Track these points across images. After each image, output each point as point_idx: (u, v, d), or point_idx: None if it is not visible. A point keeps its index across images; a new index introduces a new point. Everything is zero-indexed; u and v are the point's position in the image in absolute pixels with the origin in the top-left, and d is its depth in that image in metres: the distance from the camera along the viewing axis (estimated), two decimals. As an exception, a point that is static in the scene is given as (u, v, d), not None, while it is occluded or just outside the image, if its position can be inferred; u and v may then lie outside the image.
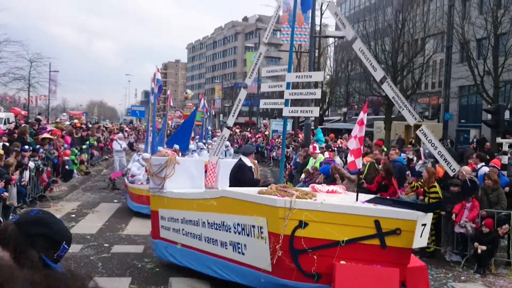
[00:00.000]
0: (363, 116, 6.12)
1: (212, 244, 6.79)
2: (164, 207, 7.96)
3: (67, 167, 17.08)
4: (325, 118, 48.59)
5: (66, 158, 17.03)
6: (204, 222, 6.94)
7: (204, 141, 25.08)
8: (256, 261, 5.98)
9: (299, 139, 25.28)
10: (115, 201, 14.61)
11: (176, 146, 15.33)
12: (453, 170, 5.30)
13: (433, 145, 5.53)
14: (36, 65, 43.72)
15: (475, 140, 29.32)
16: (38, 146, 14.44)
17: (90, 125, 28.24)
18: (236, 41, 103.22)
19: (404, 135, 33.97)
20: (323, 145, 17.42)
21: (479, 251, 8.42)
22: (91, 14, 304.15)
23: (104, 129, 30.69)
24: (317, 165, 12.87)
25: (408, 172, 10.08)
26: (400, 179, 10.05)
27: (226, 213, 6.47)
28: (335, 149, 14.98)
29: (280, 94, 10.01)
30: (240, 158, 8.23)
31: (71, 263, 8.21)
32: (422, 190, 9.71)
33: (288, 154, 22.08)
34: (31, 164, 12.68)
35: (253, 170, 8.26)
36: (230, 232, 6.38)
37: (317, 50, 37.52)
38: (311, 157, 13.77)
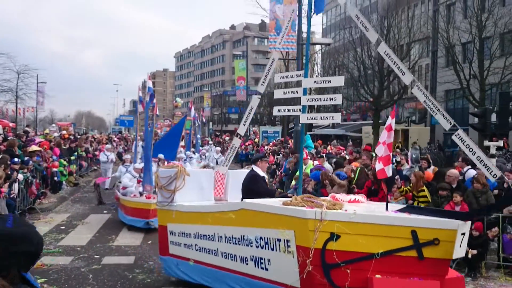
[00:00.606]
0: (391, 121, 5.81)
1: (230, 260, 6.40)
2: (173, 221, 7.58)
3: (56, 178, 16.95)
4: (313, 124, 48.76)
5: (55, 169, 16.90)
6: (221, 237, 6.55)
7: (193, 149, 25.02)
8: (282, 277, 5.60)
9: (288, 145, 25.35)
10: (105, 212, 14.50)
11: (161, 156, 15.06)
12: (494, 176, 5.01)
13: (471, 150, 5.26)
14: (24, 76, 43.62)
15: (462, 143, 29.55)
16: (27, 158, 14.33)
17: (78, 136, 28.08)
18: (224, 49, 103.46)
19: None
20: (313, 151, 17.53)
21: (469, 255, 8.48)
22: (78, 25, 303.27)
23: (93, 139, 30.52)
24: (308, 171, 12.93)
25: (397, 177, 10.15)
26: (388, 183, 10.11)
27: (246, 226, 6.07)
28: (323, 155, 15.08)
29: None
30: (252, 168, 7.79)
31: (62, 276, 8.16)
32: (411, 194, 9.79)
33: (278, 161, 22.15)
34: (20, 177, 12.58)
35: (266, 180, 7.87)
36: (251, 246, 5.98)
37: (304, 57, 37.66)
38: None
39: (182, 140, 25.19)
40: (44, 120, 78.19)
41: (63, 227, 12.20)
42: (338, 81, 7.79)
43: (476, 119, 15.71)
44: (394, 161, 13.86)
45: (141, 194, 12.66)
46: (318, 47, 46.65)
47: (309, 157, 14.32)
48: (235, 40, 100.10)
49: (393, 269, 4.96)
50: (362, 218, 5.08)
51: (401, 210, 5.38)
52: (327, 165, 13.46)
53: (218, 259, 6.63)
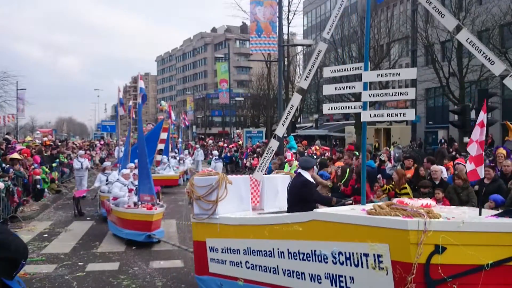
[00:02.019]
0: (483, 116, 5.24)
1: (296, 278, 5.70)
2: (215, 236, 6.80)
3: (38, 186, 16.72)
4: (297, 125, 48.97)
5: (37, 177, 16.68)
6: (282, 252, 5.83)
7: (173, 154, 24.81)
8: None
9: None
10: (88, 218, 14.38)
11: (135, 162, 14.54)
12: None
13: None
14: (3, 83, 43.02)
15: (443, 140, 30.02)
16: (7, 166, 14.14)
17: (59, 143, 27.80)
18: (205, 52, 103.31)
19: (373, 139, 34.60)
20: (295, 151, 17.59)
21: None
22: (57, 31, 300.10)
23: (74, 145, 30.23)
24: (292, 172, 12.97)
25: (379, 176, 10.26)
26: (369, 182, 10.20)
27: (319, 240, 5.39)
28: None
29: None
30: (300, 173, 6.96)
31: (45, 284, 8.06)
32: (394, 192, 9.89)
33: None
34: (1, 185, 12.42)
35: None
36: (325, 262, 5.31)
37: (286, 59, 37.87)
38: (286, 165, 13.87)
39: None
40: (25, 127, 77.12)
41: (46, 235, 12.07)
42: (410, 73, 6.88)
43: (456, 117, 15.94)
44: (378, 160, 13.98)
45: (135, 204, 11.54)
46: (299, 48, 46.88)
47: (294, 158, 14.35)
48: (217, 43, 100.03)
49: (503, 280, 4.55)
50: (470, 227, 4.56)
51: (499, 215, 4.92)
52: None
53: (278, 278, 5.93)
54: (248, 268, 6.34)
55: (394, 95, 6.55)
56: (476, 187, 9.72)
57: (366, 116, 6.47)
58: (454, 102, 26.56)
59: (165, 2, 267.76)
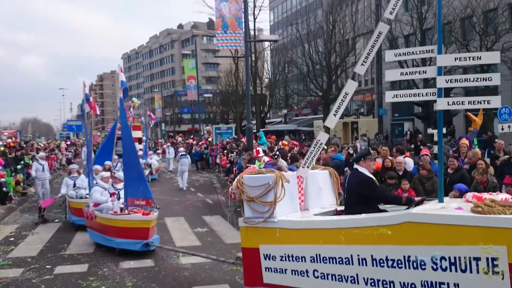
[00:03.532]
0: None
1: (381, 287, 5.28)
2: (273, 242, 6.14)
3: (4, 189, 16.27)
4: (266, 121, 49.15)
5: (2, 179, 16.23)
6: (363, 259, 5.34)
7: (140, 153, 24.28)
8: None
9: (242, 143, 25.43)
10: (56, 220, 14.12)
11: (108, 163, 14.12)
12: None
13: None
14: (-37, 85, 41.72)
15: (408, 132, 30.67)
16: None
17: (24, 144, 27.17)
18: (172, 49, 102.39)
19: (342, 133, 35.10)
20: (265, 147, 17.70)
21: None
22: (19, 29, 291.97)
23: (39, 147, 29.55)
24: (261, 167, 13.03)
25: (346, 168, 10.41)
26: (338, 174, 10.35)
27: (414, 244, 4.97)
28: (278, 153, 15.21)
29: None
30: (356, 169, 6.35)
31: (12, 289, 7.91)
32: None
33: (232, 159, 22.20)
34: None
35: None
36: (423, 269, 4.91)
37: (253, 54, 37.90)
38: (256, 160, 13.94)
39: (140, 144, 24.45)
40: (-12, 129, 75.07)
41: (12, 239, 11.79)
42: (492, 57, 6.21)
43: (420, 109, 16.29)
44: (346, 153, 14.18)
45: (121, 210, 10.44)
46: (267, 43, 47.01)
47: (261, 154, 14.42)
48: (184, 39, 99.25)
49: None
50: None
51: None
52: (283, 162, 13.58)
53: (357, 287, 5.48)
54: (317, 277, 5.76)
55: (476, 81, 5.82)
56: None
57: (443, 104, 5.85)
58: (419, 95, 27.15)
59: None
